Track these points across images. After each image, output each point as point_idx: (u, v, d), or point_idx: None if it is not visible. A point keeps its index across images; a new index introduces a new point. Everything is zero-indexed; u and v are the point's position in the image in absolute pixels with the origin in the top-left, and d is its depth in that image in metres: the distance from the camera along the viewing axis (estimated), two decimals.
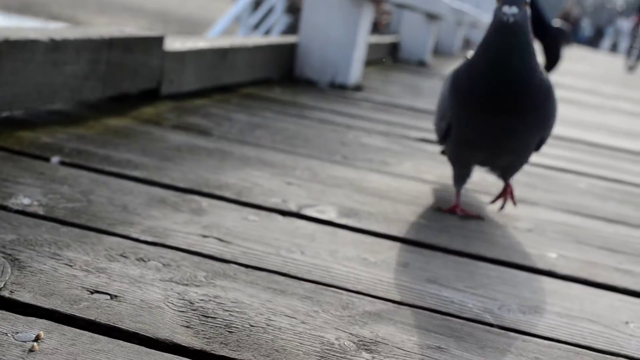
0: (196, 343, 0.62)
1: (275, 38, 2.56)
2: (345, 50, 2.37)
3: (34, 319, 0.61)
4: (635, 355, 0.74)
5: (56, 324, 0.61)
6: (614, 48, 23.76)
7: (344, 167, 1.33)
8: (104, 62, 1.41)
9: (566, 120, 2.45)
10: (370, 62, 3.16)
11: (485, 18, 5.37)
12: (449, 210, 1.14)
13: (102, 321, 0.63)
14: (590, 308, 0.84)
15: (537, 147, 1.12)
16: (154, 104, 1.59)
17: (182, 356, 0.60)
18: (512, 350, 0.71)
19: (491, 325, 0.76)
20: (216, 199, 1.02)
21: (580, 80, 5.27)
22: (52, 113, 1.35)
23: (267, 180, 1.16)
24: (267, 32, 5.70)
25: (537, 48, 3.92)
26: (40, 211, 0.86)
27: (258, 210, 1.01)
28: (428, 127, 1.88)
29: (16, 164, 1.02)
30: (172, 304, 0.68)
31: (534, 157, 1.20)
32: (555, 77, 4.32)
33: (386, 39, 4.09)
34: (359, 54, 2.45)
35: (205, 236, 0.87)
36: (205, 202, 1.00)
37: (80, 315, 0.63)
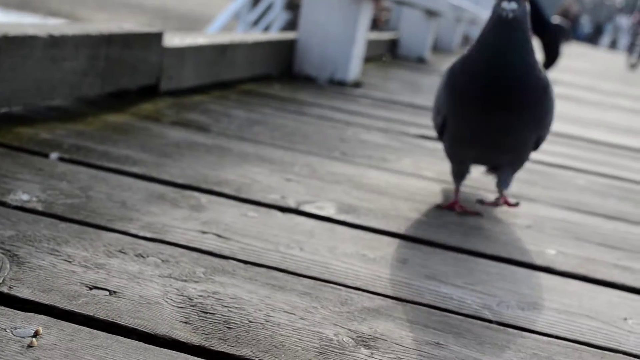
0: (195, 339, 0.62)
1: (274, 34, 2.56)
2: (345, 47, 2.37)
3: (32, 314, 0.61)
4: (634, 351, 0.74)
5: (55, 319, 0.61)
6: (613, 45, 23.76)
7: (343, 164, 1.33)
8: (102, 58, 1.41)
9: (565, 117, 2.45)
10: (369, 59, 3.16)
11: (485, 14, 5.36)
12: (448, 206, 1.14)
13: (101, 317, 0.63)
14: (588, 304, 0.84)
15: (535, 147, 1.11)
16: (153, 100, 1.59)
17: (181, 352, 0.60)
18: (511, 347, 0.71)
19: (490, 321, 0.76)
20: (215, 195, 1.02)
21: (579, 77, 5.27)
22: (51, 109, 1.35)
23: (266, 176, 1.16)
24: (267, 29, 5.70)
25: (536, 45, 3.92)
26: (39, 207, 0.86)
27: (257, 206, 1.01)
28: (427, 123, 1.88)
29: (15, 159, 1.02)
30: (171, 299, 0.68)
31: (534, 154, 1.20)
32: (554, 74, 4.32)
33: (385, 35, 4.09)
34: (358, 51, 2.45)
35: (204, 232, 0.87)
36: (204, 198, 1.00)
37: (79, 311, 0.63)
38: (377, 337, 0.68)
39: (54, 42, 1.25)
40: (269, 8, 5.83)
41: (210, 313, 0.67)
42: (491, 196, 1.23)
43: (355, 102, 2.14)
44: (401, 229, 1.00)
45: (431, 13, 4.03)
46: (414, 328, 0.71)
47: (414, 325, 0.72)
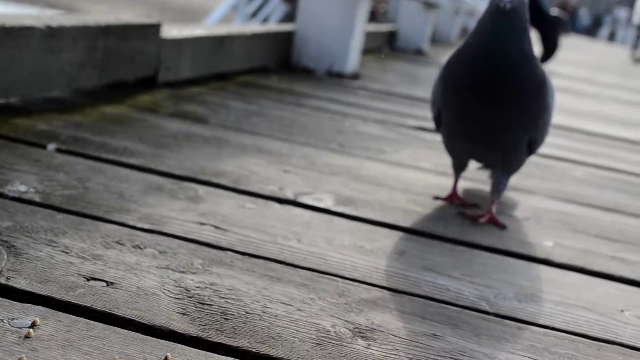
0: (192, 330, 0.62)
1: (272, 26, 2.56)
2: (343, 39, 2.37)
3: (29, 305, 0.61)
4: (630, 343, 0.74)
5: (52, 310, 0.61)
6: (611, 37, 23.73)
7: (341, 155, 1.33)
8: (100, 50, 1.40)
9: (563, 109, 2.45)
10: (367, 51, 3.16)
11: (483, 6, 5.36)
12: (446, 198, 1.14)
13: (98, 308, 0.63)
14: (586, 296, 0.85)
15: (530, 151, 1.06)
16: (151, 92, 1.58)
17: (178, 343, 0.60)
18: (508, 338, 0.71)
19: (487, 313, 0.76)
20: (213, 186, 1.02)
21: (577, 69, 5.27)
22: (49, 100, 1.35)
23: (264, 168, 1.15)
24: (265, 20, 5.68)
25: (535, 37, 3.92)
26: (37, 198, 0.86)
27: (255, 198, 1.00)
28: (425, 115, 1.88)
29: (12, 151, 1.02)
30: (169, 291, 0.68)
31: None
32: (552, 66, 4.32)
33: (384, 27, 4.08)
34: (357, 43, 2.45)
35: (201, 224, 0.87)
36: (202, 189, 1.00)
37: (76, 302, 0.63)
38: (374, 329, 0.68)
39: (52, 33, 1.25)
40: (267, 0, 5.82)
41: (207, 304, 0.67)
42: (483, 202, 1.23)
43: (353, 94, 2.14)
44: (399, 221, 1.01)
45: (429, 5, 4.02)
46: (411, 319, 0.71)
47: (411, 316, 0.72)
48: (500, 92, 0.97)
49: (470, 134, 1.04)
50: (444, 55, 3.69)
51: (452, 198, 1.14)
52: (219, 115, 1.50)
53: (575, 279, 0.90)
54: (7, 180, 0.90)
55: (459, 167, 1.13)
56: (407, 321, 0.71)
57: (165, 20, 1.71)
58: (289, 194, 1.04)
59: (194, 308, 0.66)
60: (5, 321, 0.58)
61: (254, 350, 0.61)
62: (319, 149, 1.35)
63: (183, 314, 0.65)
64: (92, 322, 0.60)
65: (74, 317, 0.61)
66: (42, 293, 0.64)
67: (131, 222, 0.84)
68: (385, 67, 3.13)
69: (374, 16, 5.92)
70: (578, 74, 4.77)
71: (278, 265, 0.79)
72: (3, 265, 0.68)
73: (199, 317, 0.64)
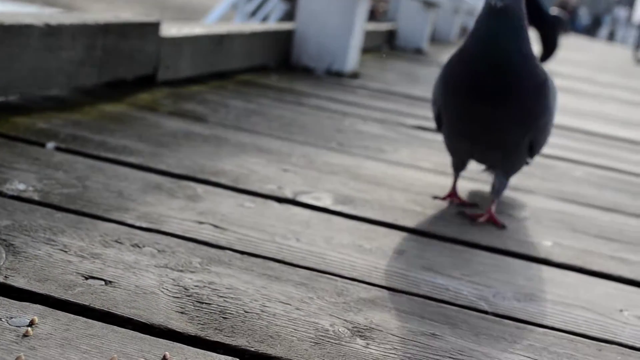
0: (191, 329, 0.62)
1: (272, 25, 2.56)
2: (342, 38, 2.36)
3: (28, 304, 0.61)
4: (629, 343, 0.74)
5: (50, 309, 0.61)
6: (611, 37, 23.74)
7: (340, 154, 1.33)
8: (99, 48, 1.40)
9: (563, 108, 2.44)
10: (367, 50, 3.15)
11: (482, 5, 5.35)
12: (445, 198, 1.14)
13: (97, 306, 0.63)
14: (585, 296, 0.85)
15: (530, 153, 1.06)
16: (150, 90, 1.58)
17: (177, 342, 0.60)
18: (507, 338, 0.71)
19: (486, 312, 0.76)
20: (212, 185, 1.02)
21: (577, 69, 5.27)
22: (48, 99, 1.35)
23: (263, 166, 1.15)
24: (264, 19, 5.68)
25: (534, 36, 3.92)
26: (35, 197, 0.86)
27: (254, 196, 1.00)
28: (424, 114, 1.88)
29: (11, 149, 1.02)
30: (167, 289, 0.68)
31: None
32: (552, 66, 4.32)
33: (383, 26, 4.08)
34: (356, 42, 2.45)
35: (200, 222, 0.87)
36: (200, 188, 1.00)
37: (74, 301, 0.63)
38: (373, 328, 0.68)
39: (51, 32, 1.25)
40: None
41: (206, 303, 0.67)
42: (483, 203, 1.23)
43: (353, 93, 2.14)
44: (398, 220, 1.00)
45: (429, 4, 4.02)
46: (410, 319, 0.71)
47: (409, 316, 0.72)
48: (499, 91, 0.96)
49: (470, 134, 1.04)
50: (444, 55, 3.69)
51: (452, 197, 1.14)
52: (218, 114, 1.49)
53: (574, 278, 0.90)
54: (6, 178, 0.90)
55: (458, 167, 1.12)
56: (406, 320, 0.70)
57: (164, 19, 1.71)
58: (288, 193, 1.04)
59: (193, 307, 0.66)
60: (3, 320, 0.58)
61: (252, 349, 0.61)
62: (318, 148, 1.35)
63: (181, 312, 0.65)
64: (90, 320, 0.60)
65: (72, 315, 0.61)
66: (40, 292, 0.64)
67: (130, 221, 0.83)
68: (384, 66, 3.13)
69: (373, 15, 5.92)
70: (578, 73, 4.77)
71: (277, 265, 0.79)
72: (1, 263, 0.67)
73: (197, 316, 0.64)
